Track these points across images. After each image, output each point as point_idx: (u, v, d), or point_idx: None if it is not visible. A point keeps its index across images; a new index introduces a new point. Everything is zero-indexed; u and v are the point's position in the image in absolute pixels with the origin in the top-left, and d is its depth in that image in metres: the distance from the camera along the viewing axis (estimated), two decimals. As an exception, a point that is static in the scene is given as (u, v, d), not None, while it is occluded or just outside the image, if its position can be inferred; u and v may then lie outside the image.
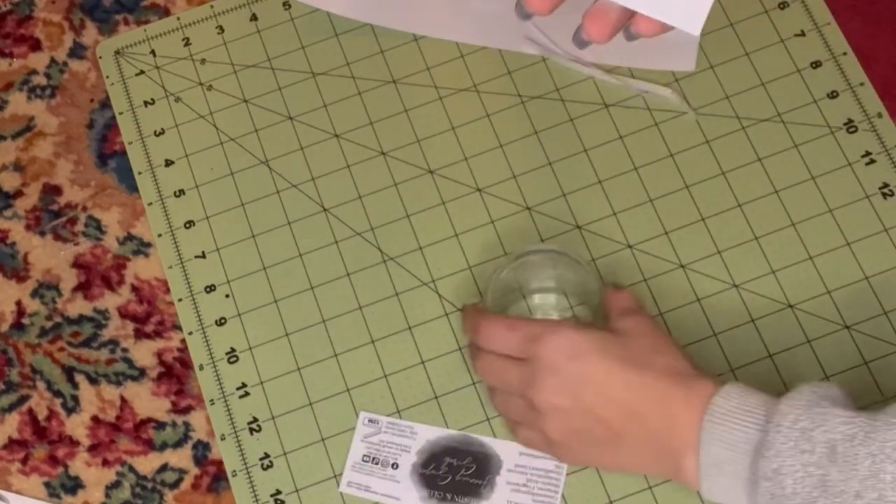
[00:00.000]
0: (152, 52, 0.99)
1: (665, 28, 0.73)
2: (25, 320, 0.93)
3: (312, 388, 0.88)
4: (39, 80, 1.00)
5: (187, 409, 0.90)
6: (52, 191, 0.96)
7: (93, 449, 0.89)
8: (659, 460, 0.76)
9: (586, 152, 0.92)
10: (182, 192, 0.95)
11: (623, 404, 0.75)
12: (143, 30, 1.00)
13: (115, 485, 0.88)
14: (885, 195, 0.89)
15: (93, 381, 0.91)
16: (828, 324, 0.86)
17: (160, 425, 0.89)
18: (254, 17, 1.00)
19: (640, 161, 0.92)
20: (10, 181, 0.97)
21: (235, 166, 0.95)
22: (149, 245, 0.94)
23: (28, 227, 0.95)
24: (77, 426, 0.90)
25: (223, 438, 0.88)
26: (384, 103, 0.96)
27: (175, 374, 0.90)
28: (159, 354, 0.91)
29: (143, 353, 0.91)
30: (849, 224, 0.89)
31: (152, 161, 0.96)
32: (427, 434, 0.86)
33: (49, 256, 0.94)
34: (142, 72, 0.99)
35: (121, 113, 0.98)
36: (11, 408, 0.91)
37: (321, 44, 0.98)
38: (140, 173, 0.96)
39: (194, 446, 0.89)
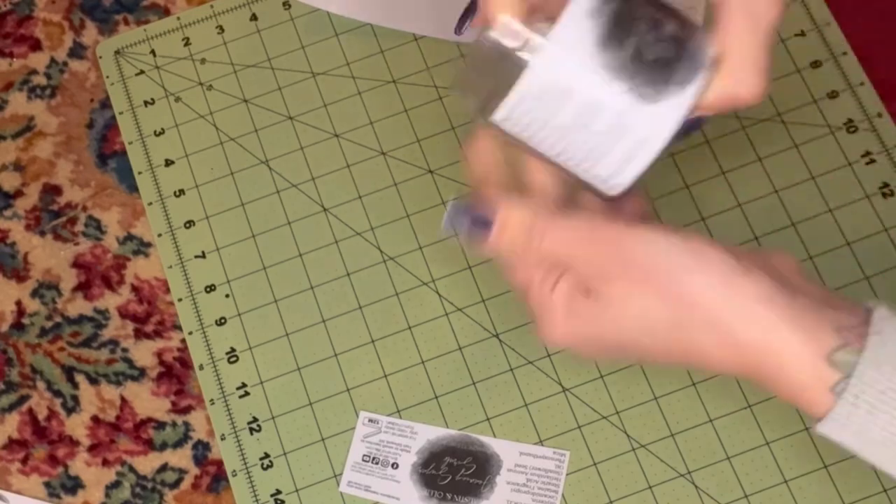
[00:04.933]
0: (152, 51, 0.99)
1: None
2: (25, 320, 0.93)
3: (312, 388, 0.88)
4: (39, 80, 1.00)
5: (187, 409, 0.90)
6: (52, 191, 0.96)
7: (93, 449, 0.89)
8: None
9: (586, 152, 0.92)
10: (182, 192, 0.95)
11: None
12: (143, 30, 1.00)
13: (115, 485, 0.88)
14: (884, 195, 0.89)
15: (93, 381, 0.91)
16: (828, 324, 0.86)
17: (160, 425, 0.89)
18: (254, 17, 1.00)
19: (640, 161, 0.92)
20: (10, 181, 0.97)
21: (235, 166, 0.95)
22: (149, 245, 0.94)
23: (28, 227, 0.95)
24: (77, 426, 0.90)
25: (223, 438, 0.88)
26: (384, 103, 0.96)
27: (175, 374, 0.90)
28: (159, 354, 0.91)
29: (143, 353, 0.91)
30: (849, 224, 0.89)
31: (152, 161, 0.96)
32: (427, 434, 0.86)
33: (49, 256, 0.94)
34: (142, 72, 0.99)
35: (121, 113, 0.98)
36: (11, 408, 0.91)
37: (321, 44, 0.98)
38: (140, 173, 0.96)
39: (194, 446, 0.89)
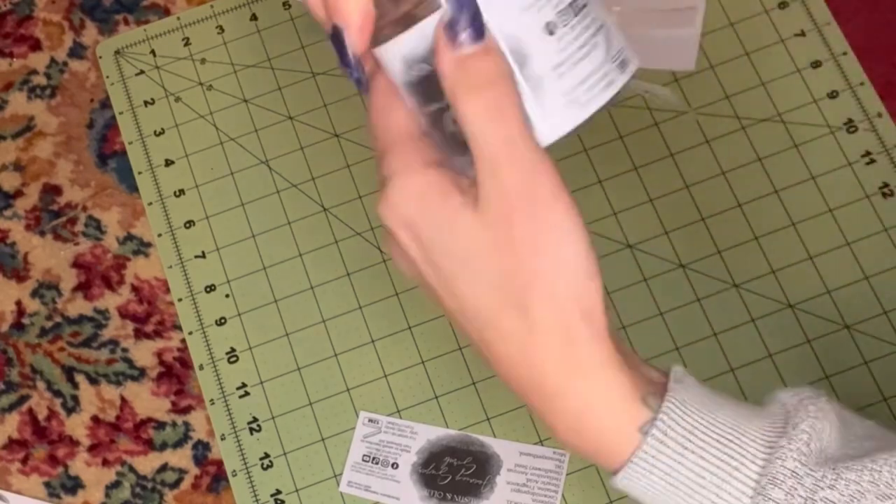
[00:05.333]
0: (152, 51, 0.99)
1: None
2: (25, 320, 0.93)
3: (312, 388, 0.88)
4: (39, 80, 1.00)
5: (187, 409, 0.90)
6: (52, 191, 0.96)
7: (93, 449, 0.89)
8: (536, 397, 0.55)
9: (586, 152, 0.92)
10: (182, 192, 0.95)
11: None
12: (143, 30, 1.00)
13: (115, 485, 0.88)
14: (885, 195, 0.89)
15: (93, 381, 0.91)
16: (828, 324, 0.86)
17: (160, 425, 0.89)
18: (254, 17, 1.00)
19: (640, 161, 0.92)
20: (10, 181, 0.97)
21: (235, 166, 0.95)
22: (149, 245, 0.94)
23: (28, 227, 0.95)
24: (77, 426, 0.90)
25: (223, 438, 0.88)
26: (384, 103, 0.96)
27: (175, 374, 0.90)
28: (159, 354, 0.91)
29: (143, 353, 0.91)
30: (849, 224, 0.89)
31: (152, 161, 0.96)
32: (427, 434, 0.86)
33: (49, 256, 0.94)
34: (142, 72, 0.99)
35: (121, 113, 0.98)
36: (11, 408, 0.91)
37: (321, 44, 0.98)
38: (140, 173, 0.96)
39: (194, 446, 0.89)
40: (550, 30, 0.51)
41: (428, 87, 0.53)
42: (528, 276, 0.52)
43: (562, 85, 0.52)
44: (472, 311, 0.54)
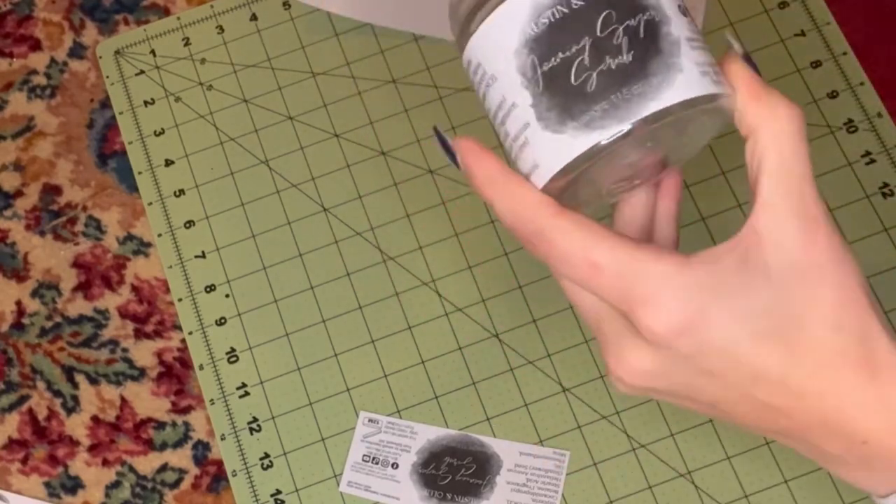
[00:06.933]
0: (152, 51, 0.99)
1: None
2: (25, 320, 0.93)
3: (312, 388, 0.88)
4: (39, 80, 1.00)
5: (187, 409, 0.90)
6: (52, 191, 0.96)
7: (93, 449, 0.89)
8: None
9: (586, 152, 0.92)
10: (182, 192, 0.95)
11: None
12: (143, 30, 1.00)
13: (115, 485, 0.88)
14: (884, 195, 0.89)
15: (93, 381, 0.91)
16: (828, 324, 0.86)
17: (160, 425, 0.89)
18: (254, 17, 1.00)
19: (640, 161, 0.92)
20: (10, 181, 0.97)
21: (235, 166, 0.95)
22: (149, 245, 0.94)
23: (28, 227, 0.95)
24: (77, 426, 0.90)
25: (223, 438, 0.88)
26: (384, 103, 0.96)
27: (175, 374, 0.90)
28: (159, 354, 0.91)
29: (143, 353, 0.91)
30: (849, 224, 0.89)
31: (152, 161, 0.96)
32: (427, 434, 0.86)
33: (49, 256, 0.94)
34: (142, 72, 0.99)
35: (121, 113, 0.98)
36: (11, 408, 0.91)
37: (321, 44, 0.98)
38: (140, 173, 0.96)
39: (194, 446, 0.89)
40: (683, 11, 0.53)
41: (557, 33, 0.49)
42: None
43: (696, 56, 0.52)
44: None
